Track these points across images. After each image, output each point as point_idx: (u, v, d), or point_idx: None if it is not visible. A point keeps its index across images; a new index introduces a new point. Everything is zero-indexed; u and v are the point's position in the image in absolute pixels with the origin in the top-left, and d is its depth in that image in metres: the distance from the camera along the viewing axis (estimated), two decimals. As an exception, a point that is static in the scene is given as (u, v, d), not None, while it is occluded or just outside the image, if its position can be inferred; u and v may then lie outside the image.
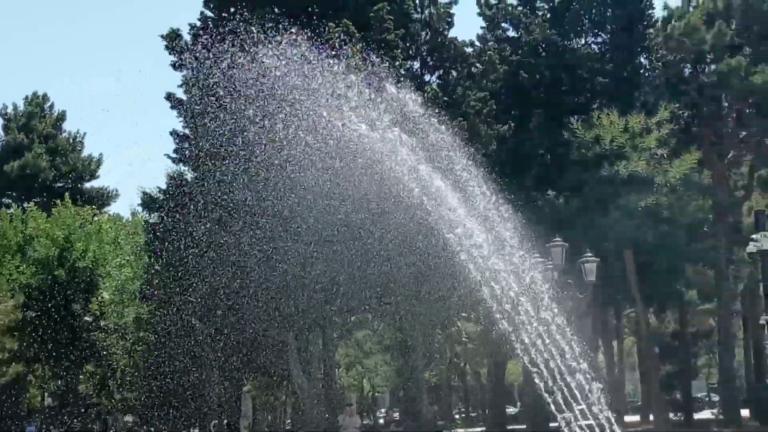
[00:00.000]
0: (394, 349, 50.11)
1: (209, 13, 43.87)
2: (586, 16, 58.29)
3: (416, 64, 49.01)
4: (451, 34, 50.15)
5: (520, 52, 56.74)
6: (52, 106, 75.68)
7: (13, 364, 50.78)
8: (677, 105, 53.33)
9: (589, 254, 35.51)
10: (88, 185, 74.56)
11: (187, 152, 40.23)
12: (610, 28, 58.13)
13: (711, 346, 74.00)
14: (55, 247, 51.54)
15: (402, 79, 34.32)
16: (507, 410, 68.10)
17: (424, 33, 49.24)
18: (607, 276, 46.89)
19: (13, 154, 70.92)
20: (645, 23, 57.80)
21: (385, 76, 22.89)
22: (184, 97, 41.81)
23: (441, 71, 49.66)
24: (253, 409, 57.97)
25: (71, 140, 74.95)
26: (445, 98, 44.43)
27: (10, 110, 74.16)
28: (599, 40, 59.02)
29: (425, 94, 36.28)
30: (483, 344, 53.73)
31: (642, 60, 58.44)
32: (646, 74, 58.05)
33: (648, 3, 57.86)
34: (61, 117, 75.61)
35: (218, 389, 44.49)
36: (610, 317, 63.47)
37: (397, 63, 41.77)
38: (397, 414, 68.02)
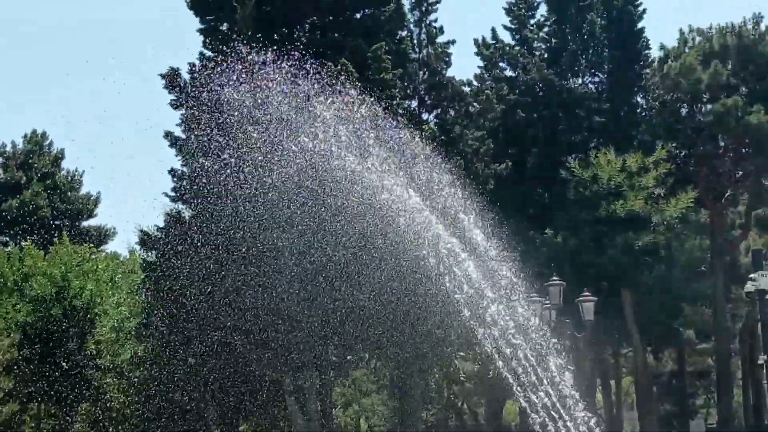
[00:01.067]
0: (392, 389, 49.85)
1: (208, 53, 44.08)
2: (583, 56, 58.65)
3: (414, 103, 49.18)
4: (449, 73, 50.41)
5: (517, 91, 57.06)
6: (51, 144, 75.85)
7: (9, 403, 50.46)
8: (674, 144, 53.63)
9: (587, 293, 35.52)
10: (85, 223, 74.56)
11: (185, 191, 40.24)
12: (607, 67, 58.49)
13: (709, 385, 73.73)
14: (52, 286, 51.41)
15: (400, 117, 34.46)
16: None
17: (421, 72, 49.49)
18: (605, 315, 46.84)
19: (12, 192, 70.99)
20: (642, 63, 58.22)
21: (383, 115, 23.04)
22: (182, 135, 41.92)
23: (438, 110, 49.83)
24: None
25: (70, 178, 75.09)
26: (443, 137, 44.57)
27: (8, 148, 74.29)
28: (596, 79, 59.37)
29: (422, 133, 36.39)
30: (480, 384, 53.46)
31: (639, 99, 58.77)
32: (643, 113, 58.36)
33: (645, 43, 58.30)
34: (60, 155, 75.75)
35: (214, 428, 44.20)
36: (608, 356, 63.21)
37: (395, 102, 41.93)
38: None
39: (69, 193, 73.79)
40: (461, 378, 51.31)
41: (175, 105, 42.32)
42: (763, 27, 56.09)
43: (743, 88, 55.11)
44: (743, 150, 55.68)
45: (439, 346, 38.52)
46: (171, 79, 42.40)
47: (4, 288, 52.49)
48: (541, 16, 60.18)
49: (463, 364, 48.76)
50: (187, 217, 40.08)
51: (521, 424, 58.39)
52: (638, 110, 58.61)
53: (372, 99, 24.42)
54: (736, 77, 55.06)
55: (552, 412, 18.07)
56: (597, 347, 56.03)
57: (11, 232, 69.96)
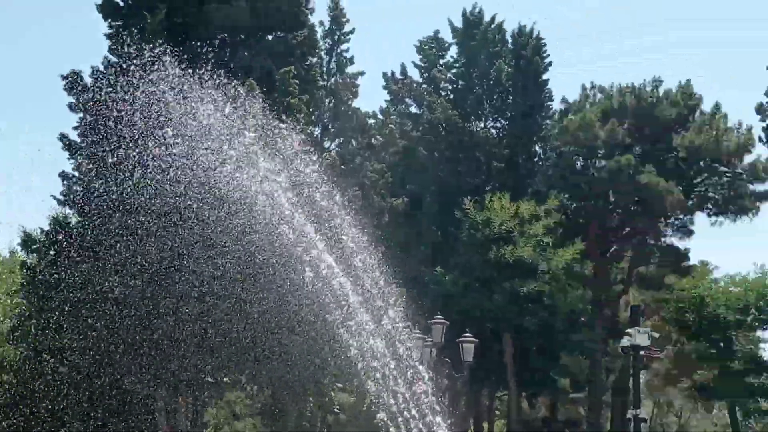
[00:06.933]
0: (266, 414, 49.30)
1: (113, 58, 43.30)
2: (488, 101, 59.60)
3: (317, 130, 49.14)
4: (355, 104, 50.57)
5: (420, 128, 57.63)
6: None
7: None
8: (567, 195, 54.90)
9: (469, 334, 35.77)
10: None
11: (75, 195, 39.24)
12: (510, 114, 59.50)
13: (580, 435, 74.99)
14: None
15: (303, 143, 34.37)
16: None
17: (328, 100, 49.50)
18: (486, 357, 47.34)
19: None
20: (543, 114, 59.50)
21: (288, 140, 22.97)
22: (77, 139, 40.95)
23: (341, 139, 49.92)
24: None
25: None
26: (343, 166, 44.64)
27: None
28: (498, 125, 60.32)
29: (323, 161, 36.34)
30: (355, 416, 53.32)
31: (537, 148, 59.98)
32: (540, 162, 59.55)
33: (547, 95, 59.57)
34: None
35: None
36: (484, 398, 63.79)
37: (299, 127, 41.81)
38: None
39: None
40: (335, 409, 51.14)
41: (73, 108, 41.39)
42: (661, 91, 57.87)
43: (637, 148, 56.72)
44: (632, 208, 57.22)
45: (316, 374, 38.25)
46: (72, 81, 41.48)
47: None
48: (451, 57, 61.09)
49: (339, 395, 48.60)
50: (73, 222, 39.10)
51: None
52: (536, 159, 59.81)
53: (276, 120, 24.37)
54: (631, 137, 56.66)
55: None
56: (474, 388, 56.48)
57: None
